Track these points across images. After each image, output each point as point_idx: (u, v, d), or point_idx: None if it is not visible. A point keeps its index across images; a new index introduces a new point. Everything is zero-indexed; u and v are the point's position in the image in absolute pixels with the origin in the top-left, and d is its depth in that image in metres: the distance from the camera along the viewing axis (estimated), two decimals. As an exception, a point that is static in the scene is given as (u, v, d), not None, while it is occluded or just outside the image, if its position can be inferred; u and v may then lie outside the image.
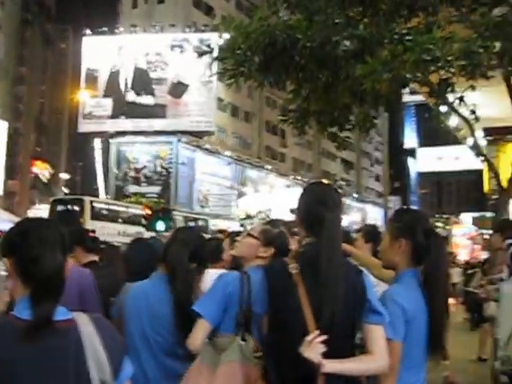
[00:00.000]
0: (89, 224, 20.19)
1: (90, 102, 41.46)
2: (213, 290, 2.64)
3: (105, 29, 42.53)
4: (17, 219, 54.07)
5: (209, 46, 13.69)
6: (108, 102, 40.74)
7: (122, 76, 40.81)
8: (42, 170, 71.94)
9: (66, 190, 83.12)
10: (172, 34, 40.97)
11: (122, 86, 40.83)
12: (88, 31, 43.11)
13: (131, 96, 40.33)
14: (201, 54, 12.90)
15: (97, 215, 22.89)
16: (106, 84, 40.99)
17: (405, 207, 3.31)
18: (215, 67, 36.16)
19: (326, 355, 2.07)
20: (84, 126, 42.25)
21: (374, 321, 2.26)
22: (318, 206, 2.30)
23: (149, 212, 21.56)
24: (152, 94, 40.16)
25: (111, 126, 40.56)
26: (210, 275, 3.18)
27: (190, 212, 37.25)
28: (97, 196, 39.24)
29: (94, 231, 19.54)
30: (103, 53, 40.75)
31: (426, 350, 2.49)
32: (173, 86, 39.96)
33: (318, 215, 2.28)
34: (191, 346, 2.49)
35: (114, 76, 40.82)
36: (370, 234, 4.34)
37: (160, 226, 18.54)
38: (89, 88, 41.48)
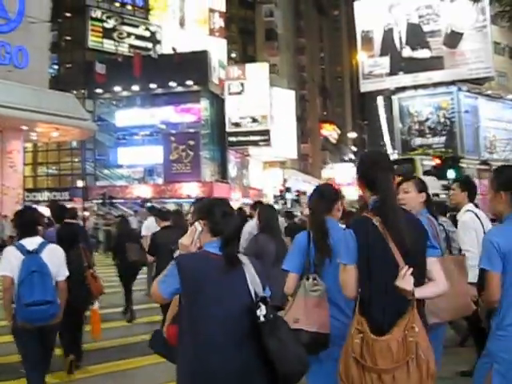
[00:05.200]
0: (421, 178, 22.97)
1: (368, 62, 42.49)
2: (292, 249, 3.53)
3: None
4: (312, 179, 50.78)
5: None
6: (385, 60, 41.56)
7: (396, 33, 41.44)
8: (330, 131, 76.20)
9: (354, 149, 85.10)
10: (439, -17, 39.55)
11: (397, 43, 41.33)
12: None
13: (407, 52, 40.94)
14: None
15: (426, 171, 25.29)
16: (381, 43, 41.84)
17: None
18: (488, 11, 35.29)
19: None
20: (365, 86, 43.73)
21: (434, 254, 2.78)
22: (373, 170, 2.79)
23: (438, 162, 21.40)
24: (427, 47, 40.32)
25: (391, 82, 41.51)
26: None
27: (478, 159, 36.65)
28: (385, 151, 41.31)
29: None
30: (375, 14, 41.68)
31: None
32: (447, 37, 39.92)
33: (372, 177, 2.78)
34: (288, 291, 3.39)
35: (387, 34, 41.58)
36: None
37: (450, 174, 18.69)
38: (365, 49, 42.78)
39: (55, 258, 4.48)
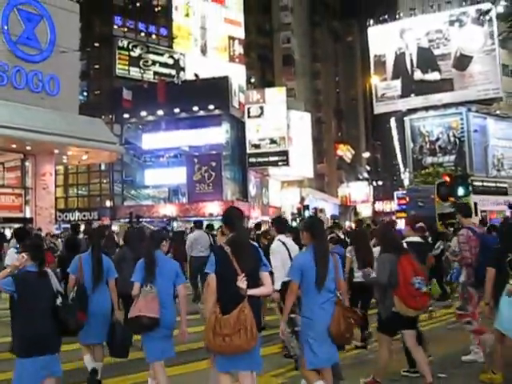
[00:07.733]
0: (472, 197, 25.08)
1: (381, 86, 44.77)
2: (137, 268, 5.63)
3: (386, 17, 46.39)
4: (329, 198, 67.27)
5: (487, 12, 12.95)
6: (397, 83, 43.83)
7: (407, 57, 43.52)
8: (344, 152, 77.61)
9: (368, 168, 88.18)
10: (449, 10, 43.65)
11: (409, 67, 43.46)
12: (371, 21, 46.63)
13: (418, 74, 42.98)
14: (481, 14, 12.62)
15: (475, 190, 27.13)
16: (393, 67, 44.01)
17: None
18: (496, 36, 36.91)
19: (247, 286, 4.34)
20: (378, 108, 45.70)
21: (264, 269, 4.59)
22: (232, 219, 4.72)
23: (448, 179, 22.16)
24: (437, 70, 42.25)
25: (403, 104, 43.46)
26: None
27: (486, 176, 39.54)
28: (397, 170, 46.64)
29: (475, 203, 24.65)
30: (387, 39, 43.86)
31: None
32: (456, 60, 41.78)
33: (233, 222, 4.68)
34: (134, 293, 5.50)
35: (399, 58, 43.66)
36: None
37: (460, 191, 19.47)
38: (378, 73, 45.14)
39: None
